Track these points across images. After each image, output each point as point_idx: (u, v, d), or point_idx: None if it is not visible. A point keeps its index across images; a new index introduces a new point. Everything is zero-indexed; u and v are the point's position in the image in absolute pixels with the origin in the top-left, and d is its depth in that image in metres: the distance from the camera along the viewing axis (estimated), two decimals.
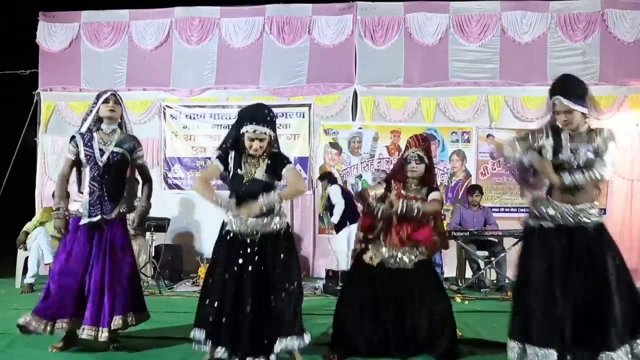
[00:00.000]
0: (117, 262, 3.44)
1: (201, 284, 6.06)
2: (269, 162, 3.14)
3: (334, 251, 6.62)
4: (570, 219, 2.92)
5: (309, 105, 7.58)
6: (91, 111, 3.50)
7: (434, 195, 3.44)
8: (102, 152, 3.43)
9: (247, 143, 3.09)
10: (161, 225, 6.55)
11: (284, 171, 3.12)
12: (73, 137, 3.49)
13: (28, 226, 6.43)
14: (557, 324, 2.83)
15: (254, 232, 3.09)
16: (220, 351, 3.00)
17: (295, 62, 7.66)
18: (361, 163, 7.31)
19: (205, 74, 7.75)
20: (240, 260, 3.07)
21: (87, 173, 3.45)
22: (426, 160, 3.45)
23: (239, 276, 3.05)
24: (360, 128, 7.38)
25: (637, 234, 7.08)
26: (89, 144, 3.44)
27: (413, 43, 7.53)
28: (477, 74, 7.46)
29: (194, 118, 7.77)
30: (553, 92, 3.02)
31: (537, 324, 2.86)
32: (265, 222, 3.09)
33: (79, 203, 3.44)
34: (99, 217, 3.40)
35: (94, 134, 3.47)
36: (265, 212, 3.07)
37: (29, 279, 6.01)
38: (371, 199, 3.42)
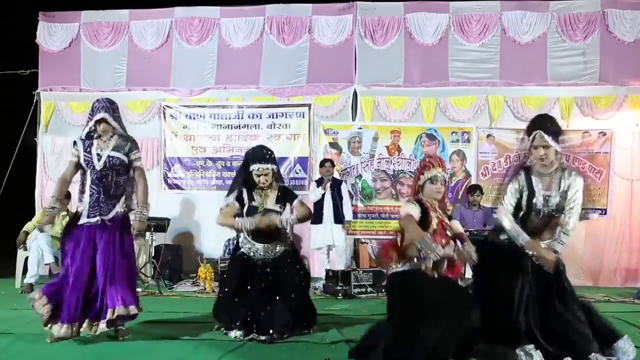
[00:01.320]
0: (118, 261, 3.63)
1: (201, 284, 6.15)
2: (279, 194, 3.94)
3: (335, 247, 6.56)
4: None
5: (309, 105, 7.58)
6: (89, 120, 3.70)
7: (459, 227, 3.36)
8: (99, 157, 3.64)
9: (255, 179, 3.86)
10: (161, 225, 6.56)
11: (295, 203, 3.94)
12: (75, 142, 3.72)
13: (28, 226, 6.44)
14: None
15: (265, 257, 3.88)
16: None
17: (295, 62, 7.66)
18: (361, 163, 7.30)
19: (205, 74, 7.75)
20: (254, 280, 3.82)
21: (88, 177, 3.66)
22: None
23: (252, 293, 3.80)
24: (360, 128, 7.37)
25: (637, 234, 7.07)
26: (88, 149, 3.66)
27: (413, 43, 7.53)
28: (477, 74, 7.46)
29: (194, 118, 7.77)
30: (533, 127, 3.23)
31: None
32: (273, 249, 3.91)
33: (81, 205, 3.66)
34: (97, 219, 3.59)
35: (94, 140, 3.69)
36: (274, 237, 3.89)
37: (29, 279, 6.01)
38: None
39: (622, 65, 7.22)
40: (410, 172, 7.24)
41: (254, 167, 3.85)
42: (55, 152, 7.74)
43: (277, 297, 3.79)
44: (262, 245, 3.91)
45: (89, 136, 3.68)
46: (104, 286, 3.58)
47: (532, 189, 3.24)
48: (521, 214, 3.28)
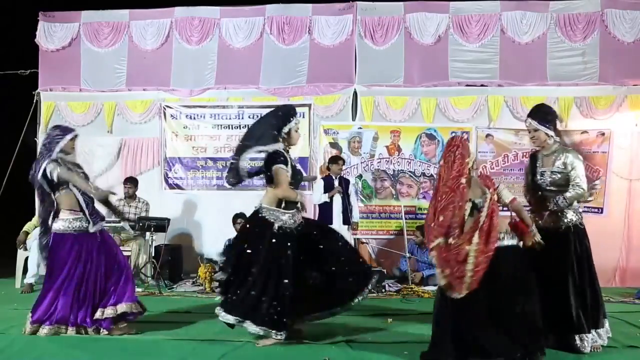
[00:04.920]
0: (114, 260, 4.03)
1: (201, 284, 6.14)
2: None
3: None
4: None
5: (309, 105, 7.58)
6: (55, 143, 3.94)
7: None
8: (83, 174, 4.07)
9: (294, 135, 3.78)
10: (161, 225, 6.55)
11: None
12: (57, 162, 3.91)
13: (28, 226, 6.44)
14: None
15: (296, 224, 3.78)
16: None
17: (295, 62, 7.66)
18: (361, 163, 7.31)
19: (205, 74, 7.74)
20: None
21: (75, 192, 3.92)
22: None
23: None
24: (360, 128, 7.38)
25: (635, 234, 7.07)
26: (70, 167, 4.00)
27: (413, 43, 7.53)
28: (477, 74, 7.47)
29: (194, 118, 7.77)
30: (527, 115, 3.87)
31: None
32: (298, 215, 3.84)
33: (70, 220, 3.93)
34: (100, 224, 4.00)
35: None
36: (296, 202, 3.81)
37: (29, 279, 6.02)
38: None
39: (621, 66, 7.22)
40: (410, 172, 7.25)
41: (295, 122, 3.74)
42: None
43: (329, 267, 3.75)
44: (291, 212, 3.75)
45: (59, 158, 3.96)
46: (106, 287, 3.95)
47: (535, 169, 3.79)
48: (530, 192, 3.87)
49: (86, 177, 4.14)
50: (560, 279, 3.55)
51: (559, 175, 3.67)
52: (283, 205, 3.70)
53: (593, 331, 3.55)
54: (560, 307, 3.53)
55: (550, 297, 3.48)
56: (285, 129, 3.72)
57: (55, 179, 3.84)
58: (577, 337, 3.51)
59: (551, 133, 3.70)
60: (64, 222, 3.92)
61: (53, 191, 3.93)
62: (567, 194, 3.62)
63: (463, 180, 3.26)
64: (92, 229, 3.93)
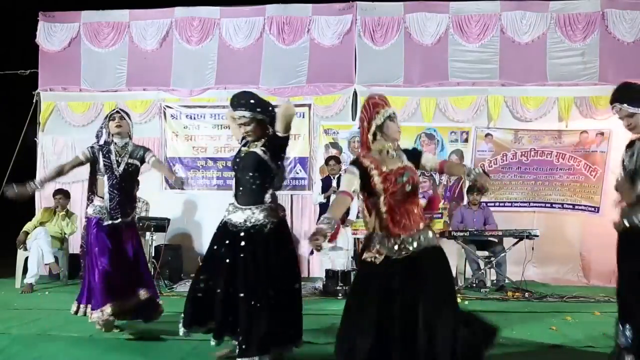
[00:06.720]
0: (136, 259, 4.04)
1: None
2: (267, 143, 3.27)
3: (338, 247, 6.44)
4: None
5: (309, 105, 7.58)
6: (102, 129, 4.03)
7: (432, 161, 3.06)
8: (118, 163, 3.95)
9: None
10: (161, 225, 6.56)
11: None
12: (92, 147, 3.97)
13: (28, 226, 6.45)
14: None
15: (240, 225, 3.24)
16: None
17: (295, 62, 7.66)
18: None
19: (206, 74, 7.75)
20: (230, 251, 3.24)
21: (105, 181, 3.92)
22: None
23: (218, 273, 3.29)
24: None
25: None
26: (107, 155, 3.94)
27: (413, 43, 7.54)
28: (477, 74, 7.47)
29: (194, 118, 7.78)
30: (612, 101, 3.15)
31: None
32: (250, 216, 3.22)
33: (97, 207, 3.93)
34: (120, 220, 3.91)
35: (111, 147, 3.97)
36: (253, 198, 3.23)
37: (29, 279, 6.03)
38: None
39: (621, 66, 7.22)
40: None
41: (233, 114, 3.28)
42: (56, 152, 7.73)
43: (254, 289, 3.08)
44: (239, 207, 3.23)
45: (107, 143, 3.98)
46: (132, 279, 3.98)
47: (632, 154, 3.20)
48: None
49: (140, 163, 4.08)
50: None
51: None
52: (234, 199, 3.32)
53: None
54: None
55: None
56: None
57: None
58: None
59: None
60: (92, 207, 3.96)
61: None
62: None
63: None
64: (105, 222, 3.88)
